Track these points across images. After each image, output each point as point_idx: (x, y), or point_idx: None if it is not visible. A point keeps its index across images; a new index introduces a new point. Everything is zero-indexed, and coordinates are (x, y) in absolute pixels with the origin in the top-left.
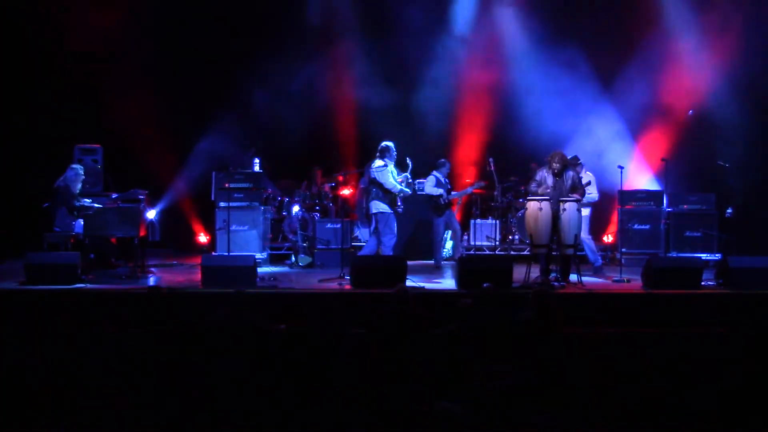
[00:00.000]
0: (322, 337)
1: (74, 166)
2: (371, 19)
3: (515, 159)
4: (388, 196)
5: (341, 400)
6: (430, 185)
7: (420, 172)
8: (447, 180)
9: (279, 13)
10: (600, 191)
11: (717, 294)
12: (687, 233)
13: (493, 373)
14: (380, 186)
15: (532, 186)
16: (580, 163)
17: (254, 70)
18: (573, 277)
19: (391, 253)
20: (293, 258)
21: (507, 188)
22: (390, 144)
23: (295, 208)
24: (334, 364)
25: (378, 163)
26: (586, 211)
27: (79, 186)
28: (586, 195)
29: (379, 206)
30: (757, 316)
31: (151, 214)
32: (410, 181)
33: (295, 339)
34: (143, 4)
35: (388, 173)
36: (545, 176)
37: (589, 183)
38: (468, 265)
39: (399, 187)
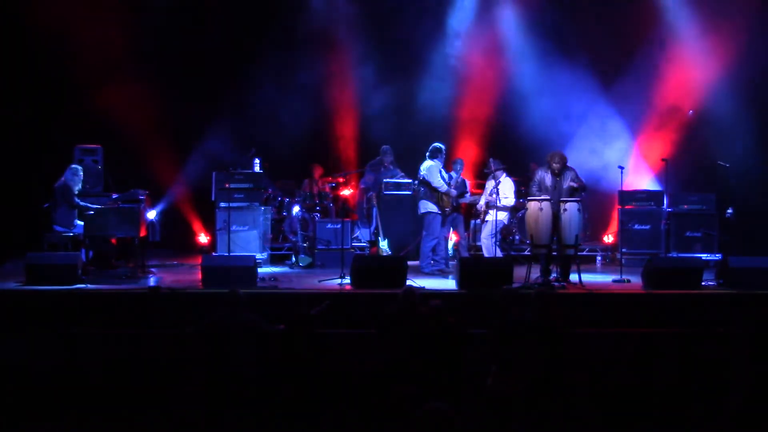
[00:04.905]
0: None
1: (73, 166)
2: (371, 20)
3: (515, 159)
4: (435, 195)
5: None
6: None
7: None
8: (462, 180)
9: (279, 13)
10: (600, 191)
11: (717, 294)
12: (687, 233)
13: (495, 374)
14: (428, 185)
15: (533, 189)
16: (503, 167)
17: (255, 70)
18: (573, 277)
19: (430, 255)
20: (293, 258)
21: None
22: (441, 146)
23: (296, 209)
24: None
25: (428, 163)
26: (503, 215)
27: (79, 186)
28: (503, 200)
29: (427, 206)
30: (757, 316)
31: (151, 214)
32: (459, 181)
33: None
34: (144, 5)
35: (436, 172)
36: (544, 176)
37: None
38: (468, 266)
39: (446, 186)
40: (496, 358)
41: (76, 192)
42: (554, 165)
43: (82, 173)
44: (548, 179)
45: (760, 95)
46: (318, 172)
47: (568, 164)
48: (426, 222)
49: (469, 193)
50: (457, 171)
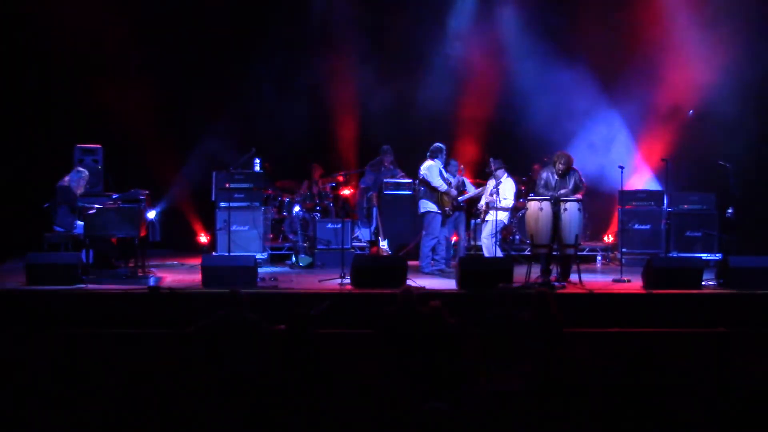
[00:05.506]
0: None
1: (79, 168)
2: (371, 20)
3: (516, 159)
4: (435, 194)
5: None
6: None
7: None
8: (461, 180)
9: (280, 13)
10: (600, 191)
11: (717, 294)
12: (687, 233)
13: (488, 373)
14: (428, 185)
15: (541, 190)
16: (504, 167)
17: (255, 70)
18: (573, 277)
19: (430, 254)
20: (294, 258)
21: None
22: (442, 146)
23: (296, 209)
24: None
25: (428, 163)
26: (503, 215)
27: (82, 188)
28: (503, 201)
29: (427, 205)
30: (757, 316)
31: (151, 214)
32: (460, 181)
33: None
34: (145, 5)
35: (436, 172)
36: (550, 177)
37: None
38: (468, 266)
39: (445, 186)
40: (488, 356)
41: (79, 194)
42: (559, 165)
43: (86, 176)
44: (553, 180)
45: (760, 95)
46: (318, 172)
47: (574, 166)
48: (426, 221)
49: (473, 187)
50: (451, 173)
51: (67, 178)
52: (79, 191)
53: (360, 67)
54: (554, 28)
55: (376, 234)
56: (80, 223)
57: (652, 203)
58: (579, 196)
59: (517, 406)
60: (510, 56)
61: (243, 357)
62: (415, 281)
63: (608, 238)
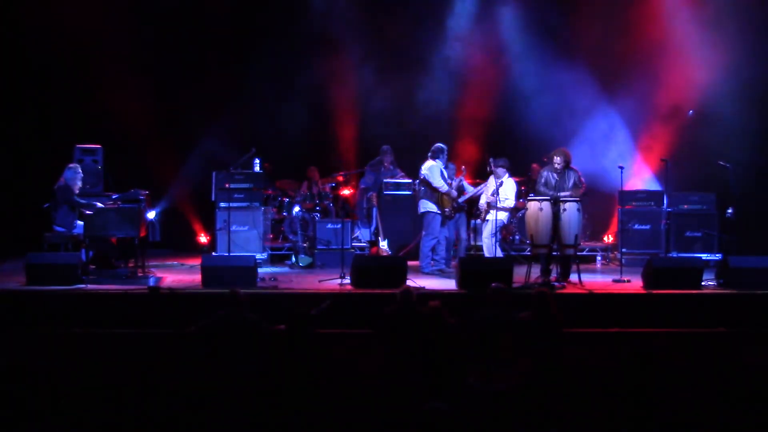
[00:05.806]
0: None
1: (71, 165)
2: (371, 20)
3: (515, 159)
4: (435, 195)
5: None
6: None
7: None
8: (461, 181)
9: (280, 13)
10: (600, 191)
11: (717, 294)
12: (687, 233)
13: (476, 372)
14: (428, 185)
15: (541, 189)
16: (506, 167)
17: (255, 71)
18: (573, 277)
19: (429, 254)
20: (294, 258)
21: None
22: (444, 146)
23: (296, 209)
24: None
25: (429, 163)
26: (503, 215)
27: (79, 184)
28: (504, 201)
29: (427, 205)
30: (757, 316)
31: (151, 214)
32: (460, 184)
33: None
34: (144, 4)
35: (437, 172)
36: (549, 176)
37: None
38: (468, 266)
39: (446, 187)
40: (475, 355)
41: (77, 191)
42: (557, 159)
43: (81, 171)
44: (553, 179)
45: (760, 95)
46: (315, 174)
47: (572, 165)
48: (426, 221)
49: (471, 188)
50: (449, 176)
51: (62, 178)
52: (77, 187)
53: (360, 67)
54: (554, 28)
55: (376, 234)
56: (80, 223)
57: (652, 203)
58: (582, 190)
59: (517, 406)
60: (510, 56)
61: (243, 357)
62: (415, 281)
63: (608, 238)
